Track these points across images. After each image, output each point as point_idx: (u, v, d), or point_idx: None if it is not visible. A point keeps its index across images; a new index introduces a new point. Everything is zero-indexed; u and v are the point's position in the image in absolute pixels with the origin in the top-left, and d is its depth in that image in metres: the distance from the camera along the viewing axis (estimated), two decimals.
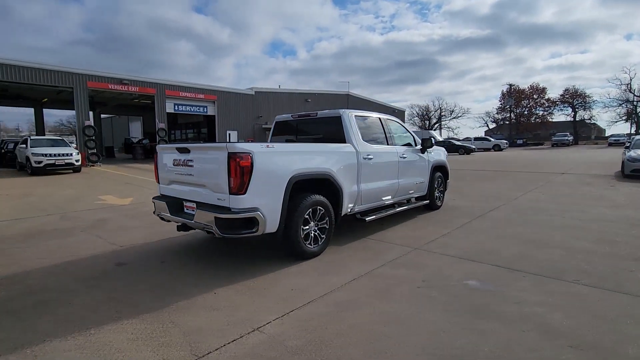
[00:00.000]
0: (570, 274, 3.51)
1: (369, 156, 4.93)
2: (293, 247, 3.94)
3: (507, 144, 41.30)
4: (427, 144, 6.25)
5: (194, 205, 3.80)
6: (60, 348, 2.35)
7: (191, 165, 3.86)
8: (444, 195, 7.19)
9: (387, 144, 5.52)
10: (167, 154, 4.28)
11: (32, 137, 15.75)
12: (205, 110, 24.68)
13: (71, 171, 15.32)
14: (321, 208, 4.18)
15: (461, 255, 4.15)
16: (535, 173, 13.30)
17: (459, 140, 39.65)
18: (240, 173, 3.37)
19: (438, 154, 6.97)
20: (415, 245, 4.56)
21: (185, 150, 3.92)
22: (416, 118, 68.94)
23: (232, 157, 3.36)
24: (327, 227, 4.29)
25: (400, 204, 5.91)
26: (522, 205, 7.12)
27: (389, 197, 5.52)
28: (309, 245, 4.06)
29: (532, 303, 2.91)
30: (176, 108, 22.94)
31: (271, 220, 3.63)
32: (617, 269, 3.61)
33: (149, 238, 5.10)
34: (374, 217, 5.04)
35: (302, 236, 3.97)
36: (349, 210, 4.80)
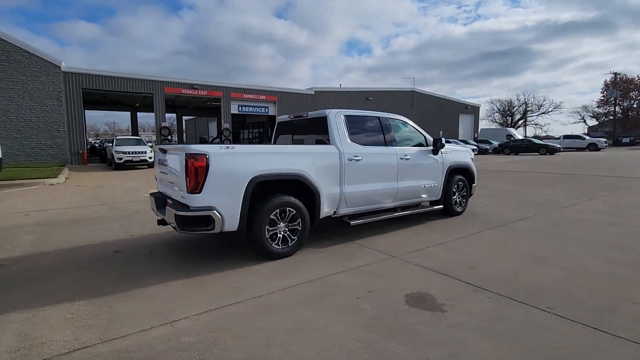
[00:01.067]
0: (550, 300, 2.98)
1: (357, 157, 4.76)
2: (258, 246, 4.01)
3: (606, 142, 35.58)
4: (438, 145, 5.77)
5: (171, 202, 4.12)
6: (12, 319, 2.79)
7: (166, 165, 4.19)
8: (467, 200, 6.56)
9: (385, 145, 5.25)
10: (157, 154, 4.69)
11: (117, 137, 18.37)
12: (266, 110, 25.98)
13: (146, 166, 17.49)
14: (291, 209, 4.18)
15: (436, 268, 3.79)
16: (617, 178, 11.30)
17: (540, 139, 35.35)
18: (195, 173, 3.56)
19: (457, 155, 6.38)
20: (396, 253, 4.28)
21: (164, 151, 4.26)
22: (497, 114, 63.18)
23: (188, 158, 3.56)
24: (300, 228, 4.27)
25: (406, 208, 5.57)
26: (565, 216, 6.16)
27: (389, 200, 5.26)
28: (275, 246, 4.10)
29: (467, 329, 2.55)
30: (240, 109, 24.59)
31: (229, 220, 3.75)
32: (621, 302, 2.96)
33: (159, 230, 5.62)
34: (360, 221, 4.86)
35: (268, 236, 4.03)
36: (333, 213, 4.70)
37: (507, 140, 33.31)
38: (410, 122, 5.88)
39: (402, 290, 3.22)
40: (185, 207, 3.67)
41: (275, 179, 4.04)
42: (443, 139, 5.88)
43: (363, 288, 3.29)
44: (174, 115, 35.82)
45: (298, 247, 4.29)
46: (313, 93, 28.02)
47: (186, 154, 3.58)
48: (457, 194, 6.36)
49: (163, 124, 21.33)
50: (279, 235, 4.13)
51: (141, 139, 18.91)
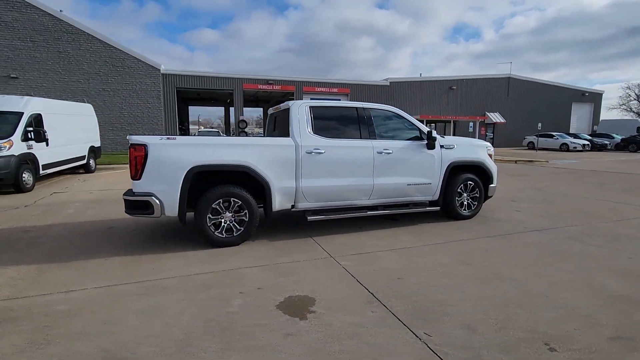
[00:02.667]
0: (441, 327, 2.48)
1: (318, 150, 4.56)
2: (201, 234, 4.21)
3: None
4: (430, 138, 5.11)
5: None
6: None
7: None
8: (479, 203, 5.67)
9: (360, 138, 4.88)
10: None
11: (199, 130, 20.74)
12: None
13: None
14: (236, 200, 4.25)
15: (361, 273, 3.45)
16: None
17: None
18: (134, 162, 3.91)
19: (465, 150, 5.54)
20: (338, 254, 4.02)
21: None
22: (634, 102, 51.65)
23: (130, 147, 3.93)
24: (246, 219, 4.32)
25: (388, 207, 5.10)
26: (611, 232, 4.91)
27: (363, 198, 4.91)
28: (219, 234, 4.23)
29: (298, 342, 2.31)
30: None
31: (169, 206, 4.01)
32: (529, 347, 2.30)
33: None
34: (318, 217, 4.66)
35: (210, 225, 4.19)
36: (291, 207, 4.62)
37: (636, 135, 27.03)
38: (402, 114, 5.32)
39: (291, 292, 3.04)
40: (132, 193, 4.06)
41: (216, 169, 4.16)
42: (433, 131, 5.18)
43: (257, 284, 3.21)
44: (261, 109, 38.65)
45: (245, 237, 4.35)
46: (388, 84, 27.01)
47: (130, 143, 3.96)
48: (464, 195, 5.55)
49: (240, 118, 23.24)
50: (223, 224, 4.26)
51: (219, 131, 21.00)
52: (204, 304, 2.85)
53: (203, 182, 4.24)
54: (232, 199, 4.24)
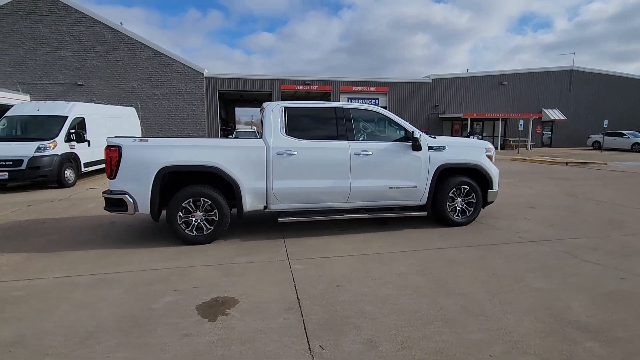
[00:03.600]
0: (355, 339, 2.34)
1: (290, 151, 4.54)
2: (173, 231, 4.40)
3: None
4: (413, 139, 4.81)
5: None
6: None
7: None
8: (476, 209, 5.22)
9: (338, 138, 4.76)
10: None
11: (237, 130, 21.61)
12: (376, 102, 25.53)
13: None
14: (206, 199, 4.38)
15: (304, 277, 3.38)
16: None
17: None
18: (110, 162, 4.20)
19: (458, 152, 5.13)
20: (296, 257, 3.98)
21: None
22: None
23: (106, 148, 4.23)
24: (216, 219, 4.43)
25: (373, 211, 4.91)
26: (624, 247, 4.31)
27: (341, 200, 4.79)
28: (189, 232, 4.40)
29: (176, 335, 2.32)
30: (349, 101, 25.04)
31: (142, 204, 4.26)
32: None
33: None
34: (289, 219, 4.63)
35: (181, 223, 4.36)
36: (264, 208, 4.66)
37: None
38: (387, 114, 5.09)
39: (221, 293, 3.07)
40: (109, 191, 4.38)
41: (185, 170, 4.33)
42: (417, 131, 4.87)
43: (197, 283, 3.28)
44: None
45: (215, 235, 4.47)
46: (430, 81, 25.85)
47: (107, 145, 4.26)
48: (457, 200, 5.16)
49: None
50: (194, 223, 4.41)
51: (254, 131, 21.70)
52: (137, 298, 2.99)
53: (178, 182, 4.43)
54: (202, 198, 4.38)
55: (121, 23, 22.46)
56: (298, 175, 4.60)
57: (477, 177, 5.22)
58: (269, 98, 24.25)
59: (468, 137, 21.74)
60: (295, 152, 4.56)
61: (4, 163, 8.42)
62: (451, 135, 26.79)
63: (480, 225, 5.22)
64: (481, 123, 27.78)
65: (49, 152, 8.97)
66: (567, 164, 15.25)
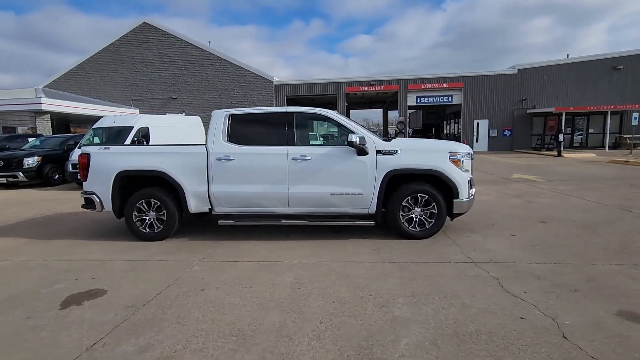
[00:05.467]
0: (143, 342, 2.45)
1: (228, 157, 4.73)
2: (128, 228, 5.00)
3: None
4: (356, 143, 4.45)
5: None
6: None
7: None
8: (437, 220, 4.60)
9: (277, 144, 4.75)
10: None
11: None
12: (449, 99, 23.55)
13: None
14: (155, 201, 4.86)
15: (180, 280, 3.53)
16: None
17: None
18: (81, 166, 4.99)
19: (413, 156, 4.60)
20: (210, 259, 4.14)
21: None
22: None
23: (79, 155, 5.03)
24: (165, 218, 4.88)
25: (319, 218, 4.77)
26: (590, 279, 3.32)
27: (279, 206, 4.79)
28: (143, 230, 4.93)
29: (18, 319, 2.70)
30: (418, 100, 23.62)
31: (106, 202, 4.95)
32: None
33: None
34: (226, 222, 4.81)
35: (136, 220, 4.93)
36: (209, 210, 4.93)
37: None
38: (334, 117, 4.86)
39: (102, 286, 3.43)
40: (84, 191, 5.18)
41: (137, 174, 4.87)
42: (360, 133, 4.49)
43: (96, 275, 3.71)
44: (381, 110, 38.47)
45: (166, 233, 4.91)
46: (516, 72, 22.69)
47: (81, 152, 5.07)
48: (415, 209, 4.63)
49: (399, 119, 23.51)
50: (147, 221, 4.94)
51: (314, 134, 22.19)
52: (41, 282, 3.53)
53: (137, 185, 5.01)
54: (152, 199, 4.87)
55: (209, 42, 25.54)
56: (236, 180, 4.74)
57: (438, 184, 4.59)
58: (334, 101, 24.60)
59: (557, 135, 18.51)
60: (234, 158, 4.71)
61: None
62: (543, 133, 23.23)
63: (441, 239, 4.57)
64: (585, 118, 23.32)
65: None
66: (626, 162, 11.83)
